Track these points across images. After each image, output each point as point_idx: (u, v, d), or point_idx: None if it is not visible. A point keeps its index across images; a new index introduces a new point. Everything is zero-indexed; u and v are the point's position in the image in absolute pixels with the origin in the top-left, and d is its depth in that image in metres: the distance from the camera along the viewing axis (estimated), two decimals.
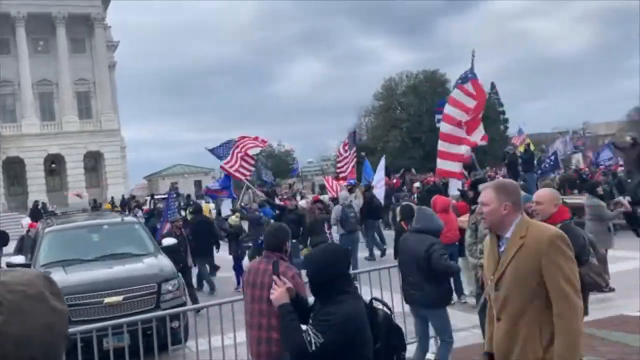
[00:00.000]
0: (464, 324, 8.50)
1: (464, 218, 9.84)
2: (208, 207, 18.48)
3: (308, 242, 13.78)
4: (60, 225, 9.64)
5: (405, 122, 60.37)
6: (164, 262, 8.61)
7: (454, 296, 9.77)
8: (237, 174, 15.76)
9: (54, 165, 51.29)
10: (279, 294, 3.27)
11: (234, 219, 13.93)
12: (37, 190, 47.48)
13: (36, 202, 34.54)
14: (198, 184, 62.04)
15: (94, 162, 52.83)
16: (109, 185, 50.33)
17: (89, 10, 52.18)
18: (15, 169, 49.57)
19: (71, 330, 5.89)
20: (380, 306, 3.58)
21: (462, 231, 9.90)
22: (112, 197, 40.77)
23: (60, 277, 7.93)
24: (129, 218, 10.66)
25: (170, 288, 8.03)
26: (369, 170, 23.50)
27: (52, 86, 52.16)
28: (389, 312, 3.50)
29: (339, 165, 21.36)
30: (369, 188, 17.97)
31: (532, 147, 24.91)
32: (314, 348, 2.93)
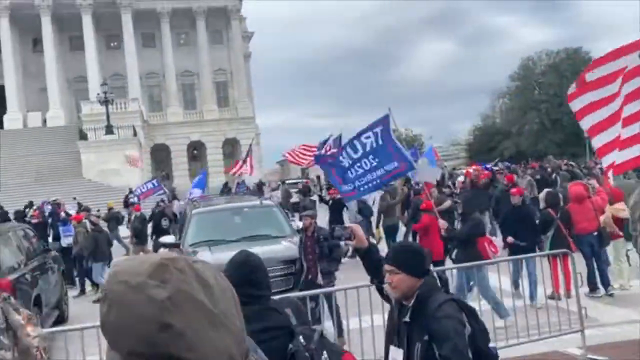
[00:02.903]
0: (612, 319, 7.96)
1: (620, 206, 9.18)
2: None
3: (380, 224, 15.08)
4: (206, 208, 10.24)
5: (545, 103, 57.31)
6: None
7: (601, 289, 9.21)
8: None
9: (196, 152, 54.52)
10: None
11: None
12: (180, 174, 50.72)
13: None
14: None
15: (231, 148, 55.45)
16: (244, 171, 52.63)
17: (226, 3, 54.62)
18: (161, 155, 53.30)
19: None
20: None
21: (617, 220, 9.26)
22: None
23: (206, 256, 8.42)
24: (268, 202, 11.08)
25: None
26: (431, 158, 21.60)
27: (194, 77, 55.36)
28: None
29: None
30: (408, 181, 17.31)
31: None
32: None
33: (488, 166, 23.48)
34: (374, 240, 16.10)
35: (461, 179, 20.91)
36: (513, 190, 10.06)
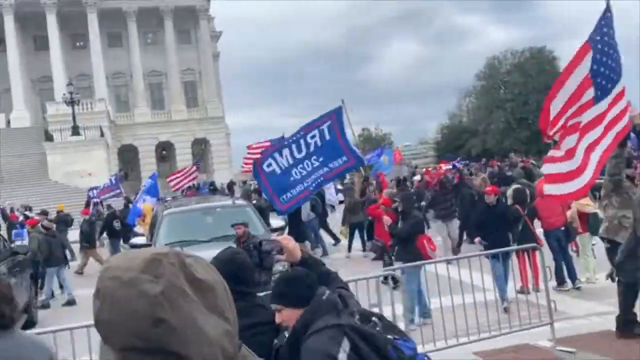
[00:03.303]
0: (579, 312, 8.16)
1: (585, 201, 9.41)
2: (150, 207, 16.43)
3: (346, 221, 15.35)
4: (177, 208, 10.17)
5: (510, 102, 58.24)
6: None
7: (568, 282, 9.43)
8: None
9: (165, 152, 53.99)
10: None
11: None
12: (149, 176, 50.22)
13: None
14: None
15: (200, 149, 55.07)
16: (215, 171, 52.34)
17: (193, 2, 54.21)
18: (129, 156, 52.65)
19: None
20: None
21: (582, 215, 9.49)
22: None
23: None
24: (240, 201, 11.04)
25: (281, 268, 8.26)
26: (390, 157, 21.70)
27: (161, 77, 54.79)
28: None
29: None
30: (367, 179, 17.46)
31: None
32: None
33: (455, 164, 23.77)
34: (341, 236, 16.26)
35: (417, 177, 21.10)
36: (487, 189, 10.03)
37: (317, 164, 8.17)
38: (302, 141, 8.29)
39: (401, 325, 6.63)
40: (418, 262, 7.42)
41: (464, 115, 70.34)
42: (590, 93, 6.15)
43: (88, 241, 16.38)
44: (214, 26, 60.95)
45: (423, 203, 15.72)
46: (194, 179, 20.55)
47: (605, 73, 6.22)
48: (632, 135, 21.84)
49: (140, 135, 51.58)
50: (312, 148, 8.18)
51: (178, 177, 21.61)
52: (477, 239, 9.30)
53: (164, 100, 54.86)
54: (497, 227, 8.83)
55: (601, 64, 6.22)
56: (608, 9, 6.24)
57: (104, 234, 17.95)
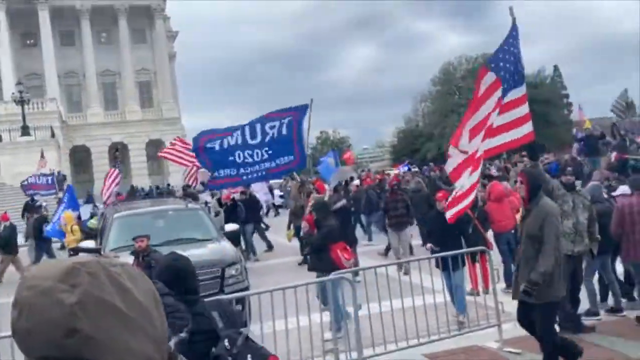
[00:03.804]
0: None
1: None
2: (72, 216, 15.93)
3: (291, 226, 15.33)
4: (128, 211, 9.98)
5: (464, 107, 59.14)
6: (227, 247, 8.80)
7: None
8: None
9: (118, 153, 52.93)
10: None
11: (93, 223, 15.26)
12: (102, 177, 49.10)
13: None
14: None
15: (155, 150, 54.21)
16: (170, 173, 51.61)
17: (149, 2, 53.44)
18: (81, 157, 51.48)
19: None
20: None
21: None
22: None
23: (129, 261, 8.20)
24: (193, 205, 10.91)
25: (233, 272, 8.23)
26: (337, 160, 21.97)
27: (115, 76, 53.79)
28: None
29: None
30: (303, 184, 17.62)
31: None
32: None
33: (409, 167, 24.10)
34: (286, 239, 16.23)
35: (356, 182, 21.03)
36: (438, 195, 10.01)
37: (266, 156, 8.09)
38: (258, 126, 8.13)
39: (352, 326, 6.68)
40: (344, 271, 7.20)
41: (420, 119, 71.25)
42: (494, 116, 6.50)
43: (6, 247, 15.87)
44: (170, 26, 60.19)
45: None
46: (118, 183, 19.62)
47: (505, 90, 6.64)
48: (578, 141, 22.55)
49: (93, 136, 50.56)
50: (267, 138, 8.08)
51: (105, 190, 20.31)
52: (427, 245, 9.33)
53: (118, 101, 53.91)
54: (449, 232, 8.84)
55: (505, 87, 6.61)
56: (514, 26, 6.73)
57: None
